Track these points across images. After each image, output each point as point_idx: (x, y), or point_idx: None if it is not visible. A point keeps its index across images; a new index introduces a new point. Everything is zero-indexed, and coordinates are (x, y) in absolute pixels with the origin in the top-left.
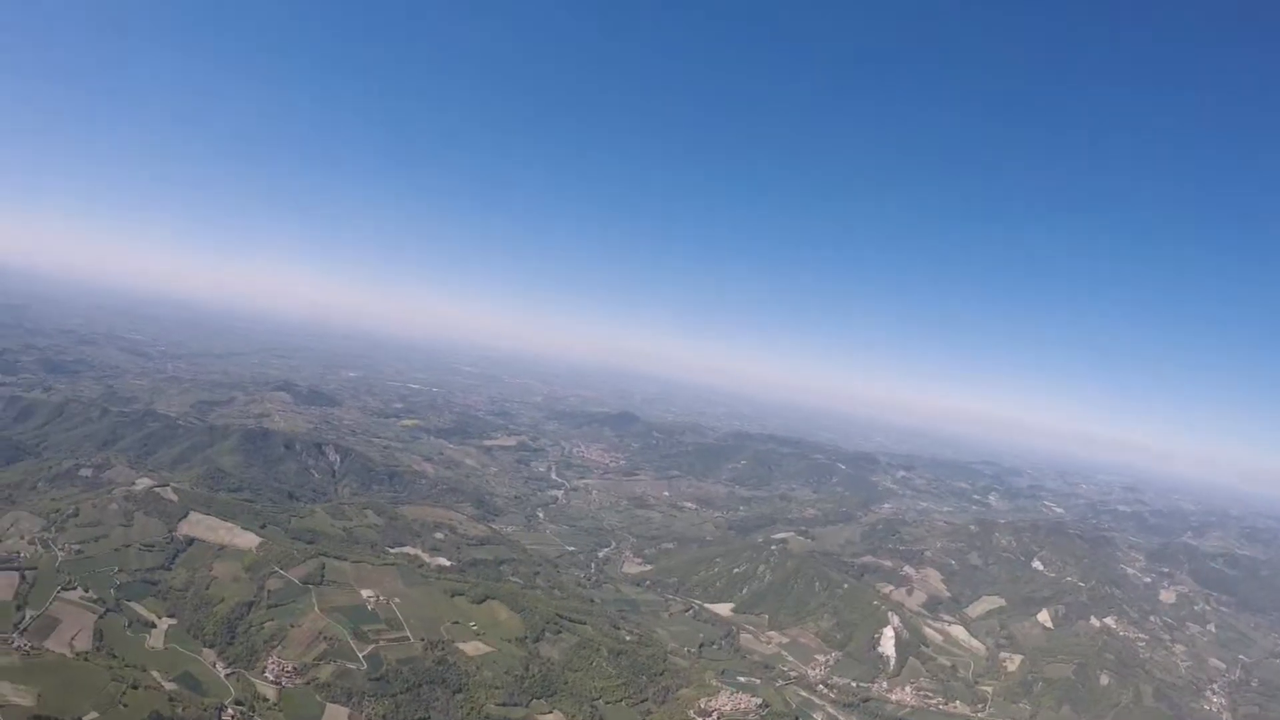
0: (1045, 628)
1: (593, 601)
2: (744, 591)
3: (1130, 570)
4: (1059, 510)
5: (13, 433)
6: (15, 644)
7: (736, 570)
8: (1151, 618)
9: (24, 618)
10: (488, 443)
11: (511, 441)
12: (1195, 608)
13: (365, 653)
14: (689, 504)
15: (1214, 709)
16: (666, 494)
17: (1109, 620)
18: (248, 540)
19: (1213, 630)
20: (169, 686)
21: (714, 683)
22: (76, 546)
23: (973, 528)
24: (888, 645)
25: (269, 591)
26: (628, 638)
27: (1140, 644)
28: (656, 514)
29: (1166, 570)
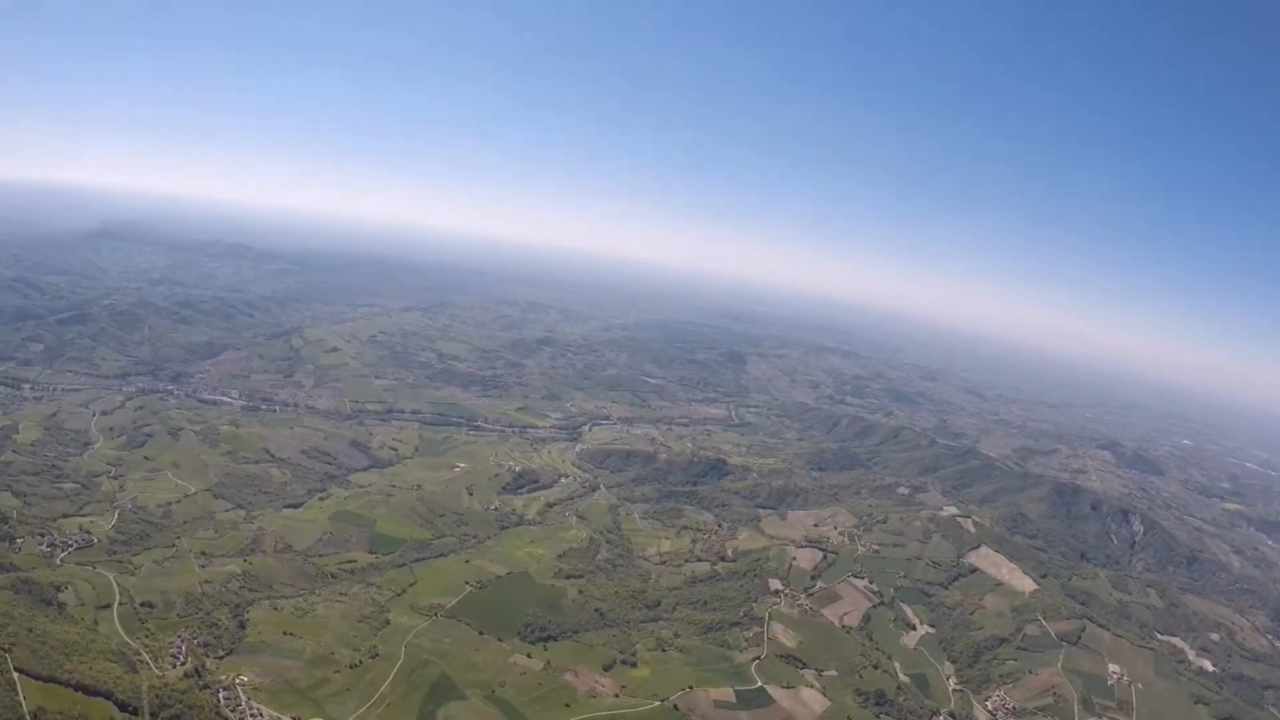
0: None
1: None
2: None
3: None
4: None
5: (851, 446)
6: (799, 602)
7: None
8: None
9: (814, 586)
10: None
11: None
12: None
13: None
14: None
15: None
16: None
17: None
18: (1024, 584)
19: None
20: (903, 679)
21: None
22: (875, 547)
23: None
24: None
25: (1024, 635)
26: None
27: None
28: None
29: None
